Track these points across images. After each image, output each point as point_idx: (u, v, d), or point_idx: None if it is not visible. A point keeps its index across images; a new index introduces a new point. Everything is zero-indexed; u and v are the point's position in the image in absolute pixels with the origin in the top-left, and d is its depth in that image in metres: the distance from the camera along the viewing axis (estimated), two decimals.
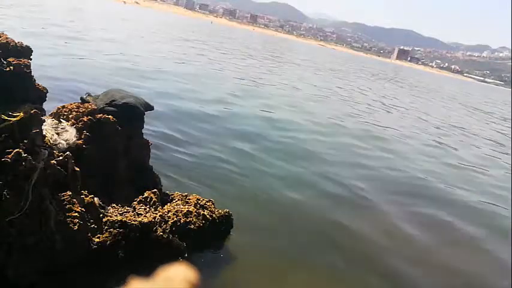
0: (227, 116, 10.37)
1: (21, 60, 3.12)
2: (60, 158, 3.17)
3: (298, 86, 20.24)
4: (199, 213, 4.00)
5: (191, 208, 4.00)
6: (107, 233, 3.39)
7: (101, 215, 3.46)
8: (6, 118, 2.84)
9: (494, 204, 8.15)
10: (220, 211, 4.27)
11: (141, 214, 3.72)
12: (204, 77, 16.37)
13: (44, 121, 3.27)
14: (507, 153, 14.51)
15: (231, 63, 23.98)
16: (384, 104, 21.10)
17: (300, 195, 6.31)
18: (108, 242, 3.35)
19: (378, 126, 13.97)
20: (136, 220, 3.56)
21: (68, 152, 3.29)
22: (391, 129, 13.86)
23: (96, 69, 12.62)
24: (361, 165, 8.73)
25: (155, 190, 4.06)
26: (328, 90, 21.29)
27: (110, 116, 3.96)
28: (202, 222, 3.96)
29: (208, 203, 4.25)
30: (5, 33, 3.26)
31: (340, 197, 6.64)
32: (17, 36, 3.42)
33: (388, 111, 18.82)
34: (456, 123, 20.11)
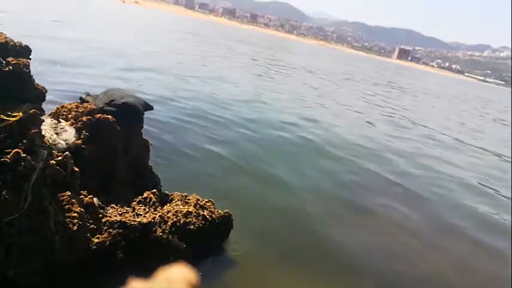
0: (230, 117, 10.36)
1: (20, 60, 3.11)
2: (60, 158, 3.16)
3: None
4: (199, 214, 3.99)
5: (191, 208, 3.99)
6: (106, 233, 3.38)
7: (100, 216, 3.45)
8: (5, 118, 2.83)
9: None
10: (220, 211, 4.25)
11: (141, 214, 3.71)
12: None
13: (43, 121, 3.25)
14: None
15: None
16: None
17: (301, 196, 6.30)
18: (108, 242, 3.34)
19: None
20: (135, 220, 3.55)
21: (67, 152, 3.28)
22: None
23: None
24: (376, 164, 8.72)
25: (155, 190, 4.05)
26: None
27: (109, 116, 3.95)
28: (202, 223, 3.95)
29: (208, 204, 4.23)
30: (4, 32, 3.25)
31: (342, 198, 6.63)
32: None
33: None
34: None
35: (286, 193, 6.24)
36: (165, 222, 3.75)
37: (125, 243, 3.42)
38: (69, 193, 3.18)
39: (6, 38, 3.16)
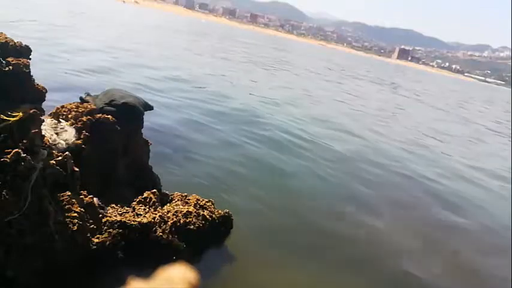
0: (228, 117, 10.35)
1: (20, 60, 3.12)
2: (60, 158, 3.16)
3: None
4: (199, 214, 3.99)
5: (191, 208, 3.99)
6: (107, 233, 3.38)
7: (101, 216, 3.45)
8: (6, 118, 2.83)
9: None
10: (220, 211, 4.26)
11: (141, 214, 3.71)
12: None
13: (43, 121, 3.26)
14: None
15: None
16: None
17: (301, 195, 6.30)
18: (108, 242, 3.34)
19: None
20: (135, 220, 3.55)
21: (67, 152, 3.28)
22: None
23: None
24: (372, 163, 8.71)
25: (155, 190, 4.05)
26: None
27: (109, 116, 3.95)
28: (202, 223, 3.95)
29: (208, 203, 4.24)
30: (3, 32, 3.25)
31: (342, 196, 6.63)
32: None
33: None
34: None
35: (287, 193, 6.24)
36: (165, 222, 3.75)
37: (125, 243, 3.42)
38: (69, 193, 3.18)
39: (6, 38, 3.17)
